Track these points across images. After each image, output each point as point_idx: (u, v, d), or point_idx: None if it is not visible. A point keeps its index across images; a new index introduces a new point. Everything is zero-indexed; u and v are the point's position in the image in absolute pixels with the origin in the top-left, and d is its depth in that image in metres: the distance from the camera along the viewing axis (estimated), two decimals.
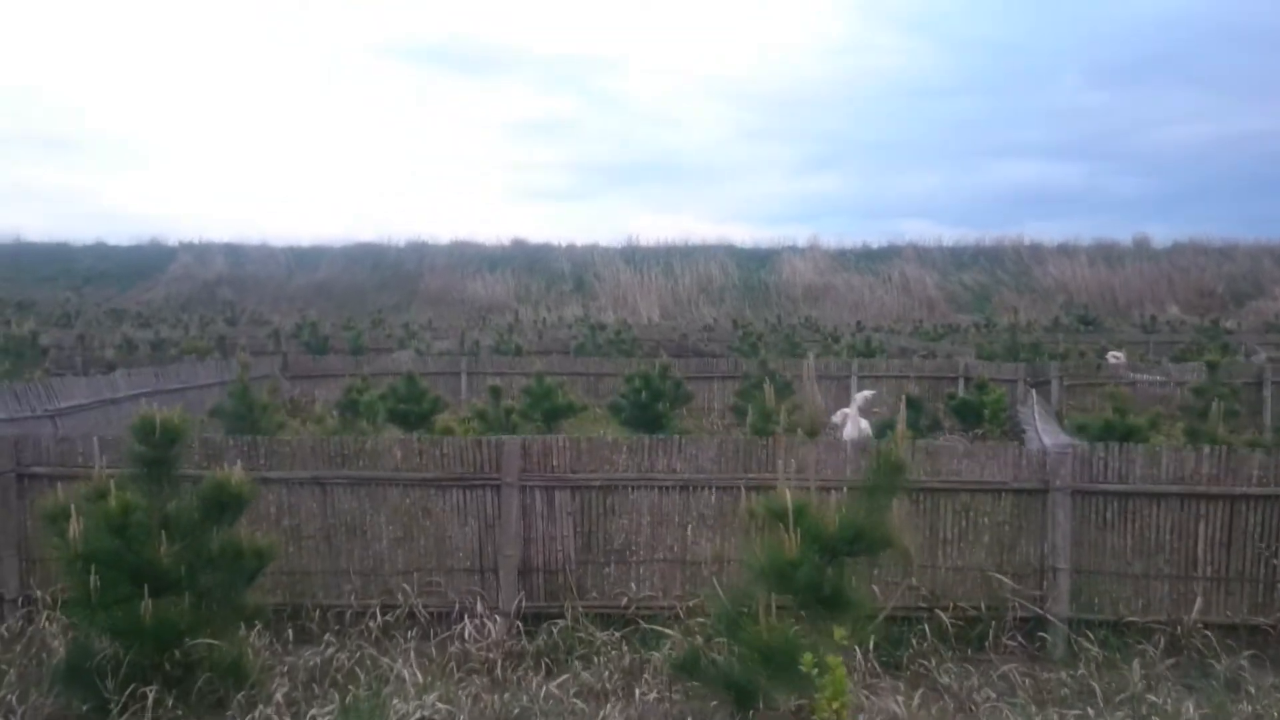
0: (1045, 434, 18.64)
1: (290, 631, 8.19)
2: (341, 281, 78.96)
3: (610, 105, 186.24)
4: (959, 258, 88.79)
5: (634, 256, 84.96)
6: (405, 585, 8.69)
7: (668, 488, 8.66)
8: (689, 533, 8.68)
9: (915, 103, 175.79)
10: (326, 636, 8.07)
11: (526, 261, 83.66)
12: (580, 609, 8.47)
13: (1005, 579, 8.37)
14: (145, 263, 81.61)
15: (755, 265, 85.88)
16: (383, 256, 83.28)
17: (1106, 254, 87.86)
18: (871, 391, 15.68)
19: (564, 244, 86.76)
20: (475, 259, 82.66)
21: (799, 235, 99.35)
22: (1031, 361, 27.35)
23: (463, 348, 30.88)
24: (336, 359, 24.30)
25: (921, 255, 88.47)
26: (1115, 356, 25.19)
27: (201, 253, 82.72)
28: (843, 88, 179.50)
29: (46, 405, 16.12)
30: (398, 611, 8.55)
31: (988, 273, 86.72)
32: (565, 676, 7.36)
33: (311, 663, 7.66)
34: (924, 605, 8.38)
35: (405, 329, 45.08)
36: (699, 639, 7.41)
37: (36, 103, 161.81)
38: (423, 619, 8.54)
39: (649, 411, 18.04)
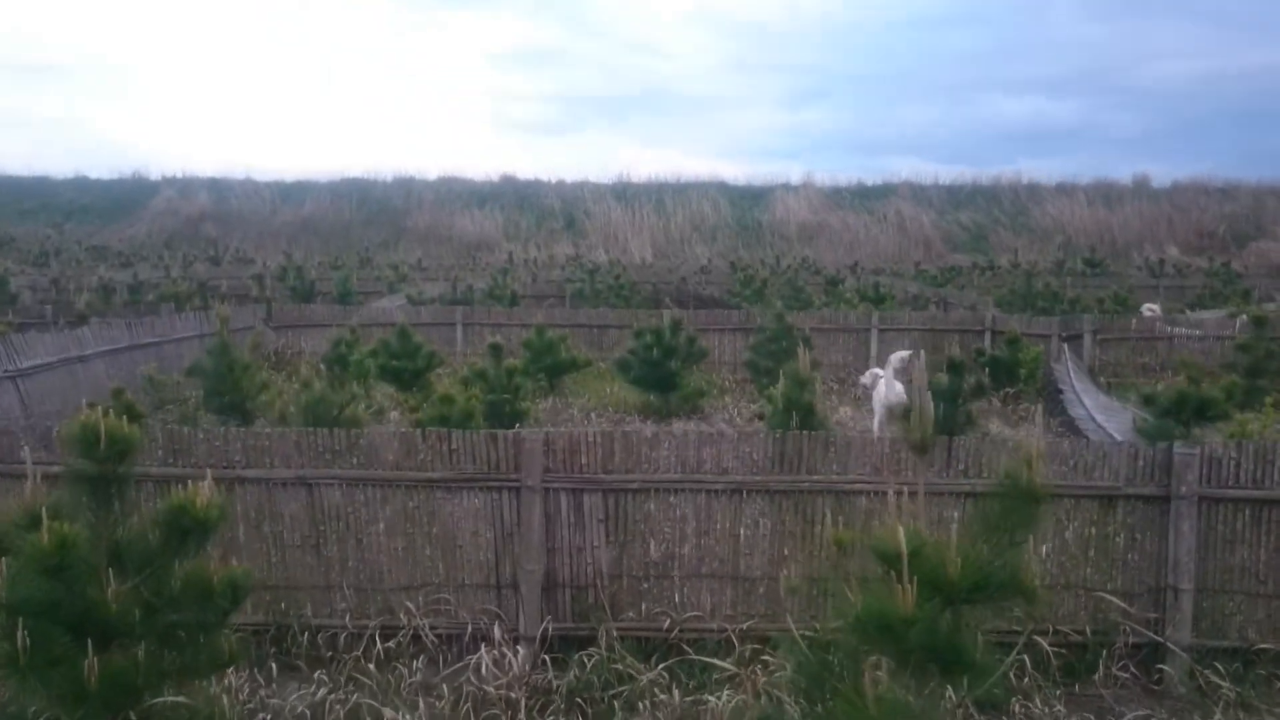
0: (1085, 395, 17.44)
1: (274, 664, 6.91)
2: (327, 218, 77.07)
3: (595, 34, 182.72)
4: (955, 196, 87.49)
5: (625, 193, 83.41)
6: (408, 603, 7.41)
7: (717, 491, 7.35)
8: (741, 543, 7.38)
9: (907, 35, 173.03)
10: (318, 674, 6.78)
11: (516, 198, 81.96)
12: (615, 632, 7.21)
13: (1115, 599, 7.13)
14: (127, 197, 79.45)
15: (748, 203, 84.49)
16: (369, 192, 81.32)
17: (1105, 194, 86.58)
18: (908, 351, 14.34)
19: (553, 180, 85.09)
20: (463, 195, 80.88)
21: (791, 172, 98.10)
22: (1051, 310, 26.14)
23: (455, 292, 29.44)
24: (324, 308, 22.82)
25: (917, 193, 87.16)
26: (1150, 309, 23.95)
27: (185, 187, 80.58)
28: (832, 18, 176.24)
29: (7, 365, 14.70)
30: (400, 635, 7.27)
31: (984, 212, 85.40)
32: None
33: (299, 709, 6.40)
34: (1018, 629, 7.13)
35: (395, 270, 43.57)
36: (767, 695, 6.15)
37: (15, 29, 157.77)
38: (430, 643, 7.27)
39: (660, 370, 16.72)
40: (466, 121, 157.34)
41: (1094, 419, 15.31)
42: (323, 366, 19.40)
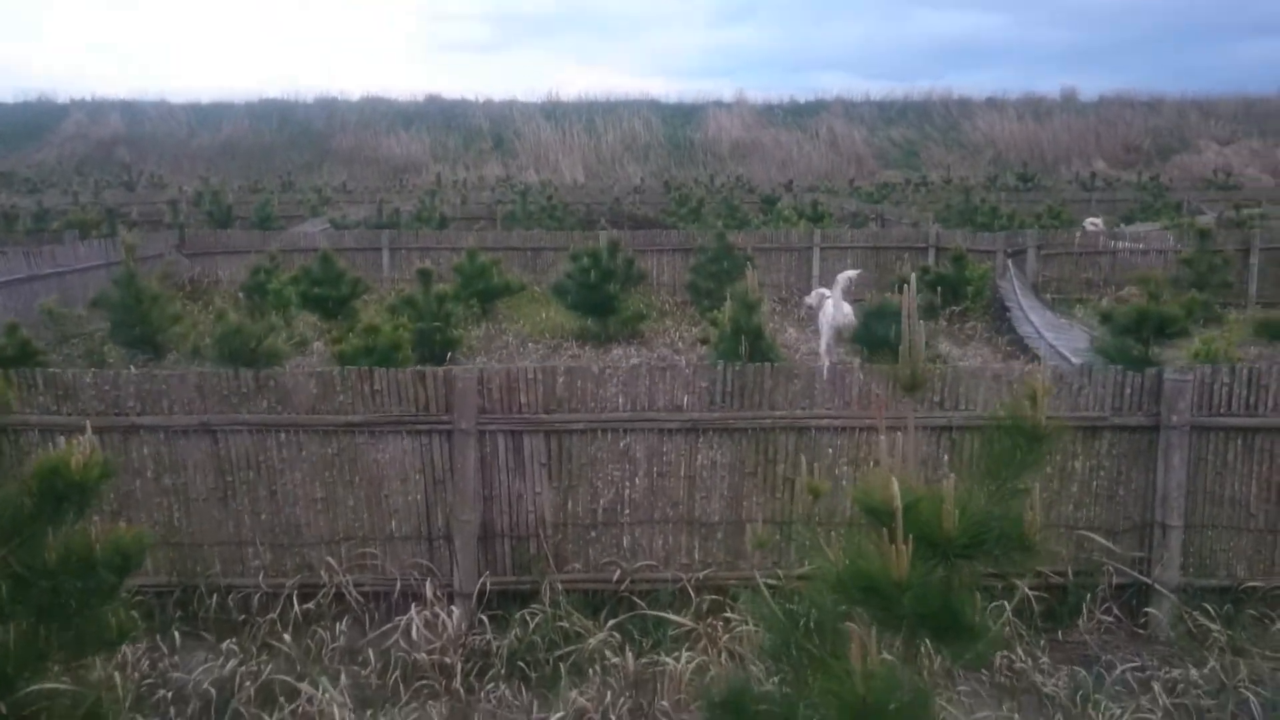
0: (1031, 312, 17.01)
1: (177, 632, 6.18)
2: (247, 141, 74.56)
3: None
4: (886, 113, 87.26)
5: (555, 113, 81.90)
6: (330, 559, 6.69)
7: (671, 430, 6.67)
8: (697, 485, 6.73)
9: None
10: (227, 643, 6.05)
11: (442, 118, 79.99)
12: (560, 585, 6.56)
13: (1099, 538, 6.61)
14: (34, 122, 76.08)
15: (680, 121, 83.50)
16: (290, 114, 78.75)
17: (1034, 108, 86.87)
18: (856, 271, 13.74)
19: (481, 100, 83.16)
20: (388, 115, 78.72)
21: (723, 90, 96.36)
22: (990, 227, 25.70)
23: (381, 216, 28.26)
24: (241, 234, 21.56)
25: (849, 110, 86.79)
26: (1093, 224, 23.57)
27: (95, 110, 77.34)
28: None
29: None
30: (321, 595, 6.56)
31: (916, 128, 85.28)
32: (559, 716, 5.46)
33: (204, 685, 5.69)
34: (995, 571, 6.59)
35: (317, 194, 42.04)
36: (730, 654, 5.55)
37: None
38: (354, 602, 6.56)
39: (598, 293, 15.97)
40: (391, 40, 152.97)
41: (1043, 336, 14.89)
42: (241, 295, 18.41)
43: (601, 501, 6.73)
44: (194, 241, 20.57)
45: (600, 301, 15.97)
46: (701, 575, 6.59)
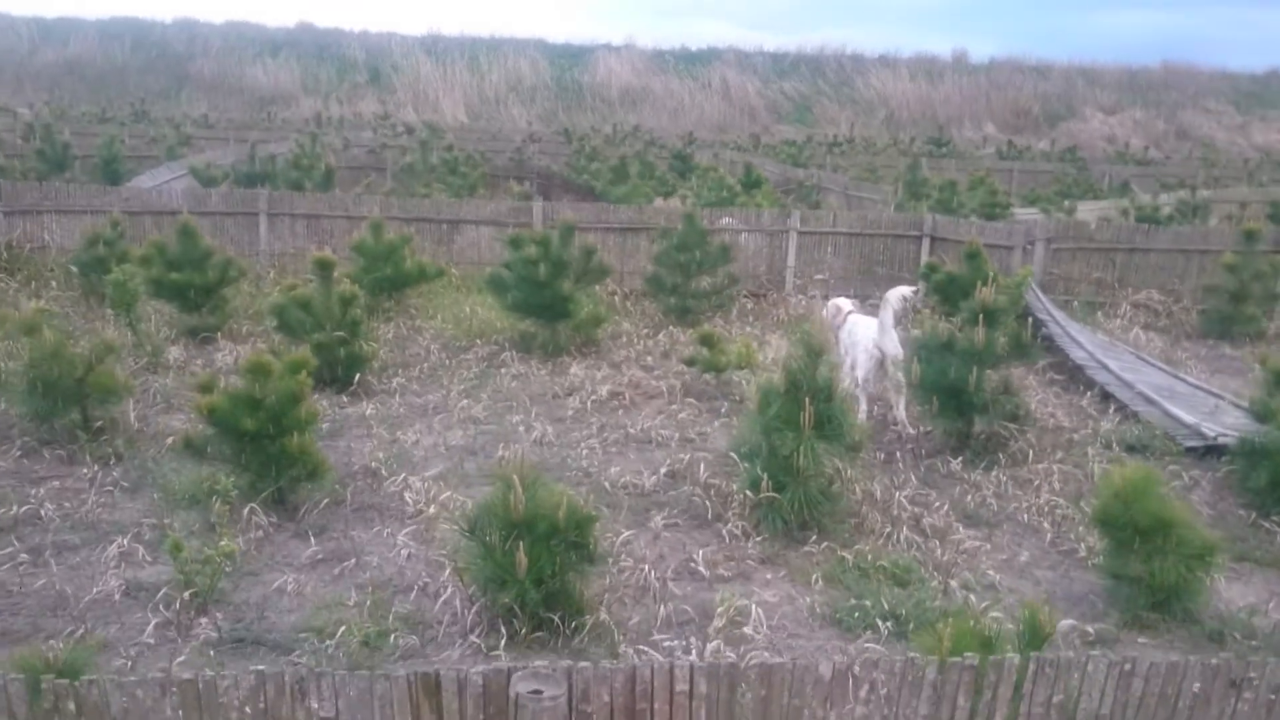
0: (1069, 328, 13.96)
1: None
2: (96, 62, 67.70)
3: None
4: (780, 64, 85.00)
5: (436, 48, 77.13)
6: None
7: None
8: None
9: None
10: None
11: (314, 48, 74.33)
12: None
13: None
14: None
15: (568, 63, 79.71)
16: (146, 35, 71.91)
17: (927, 68, 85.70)
18: (912, 288, 10.59)
19: (357, 30, 77.77)
20: (255, 42, 72.66)
21: (611, 34, 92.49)
22: (947, 205, 22.73)
23: (254, 163, 23.90)
24: (77, 188, 16.84)
25: (742, 60, 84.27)
26: (1097, 210, 20.86)
27: None
28: None
29: None
30: None
31: (809, 82, 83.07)
32: None
33: None
34: None
35: (176, 129, 36.91)
36: None
37: None
38: None
39: (548, 292, 12.44)
40: None
41: (1111, 371, 11.89)
42: (75, 271, 14.35)
43: None
44: (15, 194, 16.16)
45: (551, 302, 12.46)
46: None
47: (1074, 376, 12.30)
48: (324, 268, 11.11)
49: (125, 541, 6.91)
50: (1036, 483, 8.58)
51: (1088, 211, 24.65)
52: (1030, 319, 13.56)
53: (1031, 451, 9.21)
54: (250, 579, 6.60)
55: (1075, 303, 15.93)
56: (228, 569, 6.43)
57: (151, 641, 5.79)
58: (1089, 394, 11.41)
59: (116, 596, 6.30)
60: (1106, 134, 74.54)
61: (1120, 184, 37.96)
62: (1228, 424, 9.79)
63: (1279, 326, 15.62)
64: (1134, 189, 34.75)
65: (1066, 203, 26.96)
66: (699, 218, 14.69)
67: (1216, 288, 15.39)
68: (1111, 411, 10.62)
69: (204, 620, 6.02)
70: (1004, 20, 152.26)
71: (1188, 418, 9.96)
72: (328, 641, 5.75)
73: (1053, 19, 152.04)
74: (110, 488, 7.96)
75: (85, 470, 8.22)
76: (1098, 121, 79.13)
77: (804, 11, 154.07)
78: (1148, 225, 18.21)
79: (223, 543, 6.31)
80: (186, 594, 6.08)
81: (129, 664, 5.55)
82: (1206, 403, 10.88)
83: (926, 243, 16.43)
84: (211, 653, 5.66)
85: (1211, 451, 9.36)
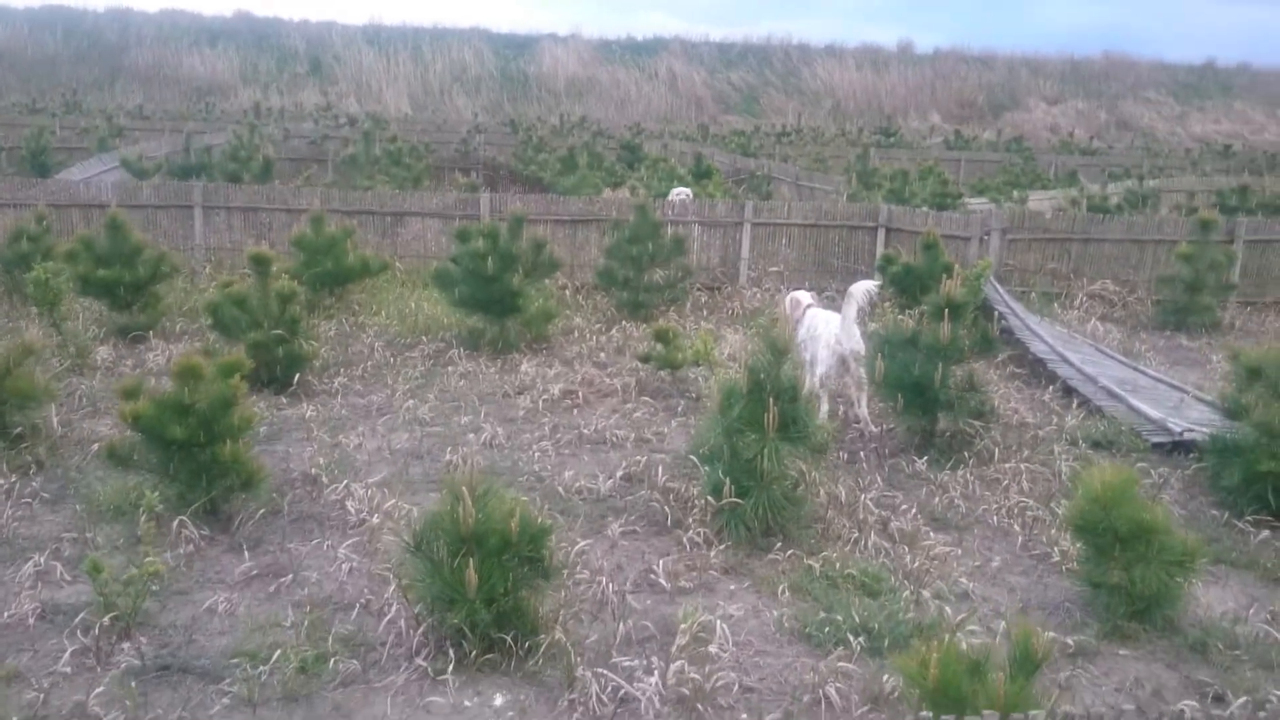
0: (1027, 319, 13.78)
1: None
2: (26, 51, 65.97)
3: None
4: (726, 55, 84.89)
5: (378, 38, 76.22)
6: None
7: None
8: None
9: None
10: None
11: (253, 37, 73.04)
12: None
13: None
14: None
15: (513, 53, 79.02)
16: (78, 23, 70.25)
17: (872, 58, 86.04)
18: (875, 283, 10.24)
19: (296, 19, 76.55)
20: (191, 31, 71.27)
21: (556, 23, 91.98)
22: (899, 195, 22.52)
23: (189, 155, 23.18)
24: (3, 183, 16.12)
25: (689, 50, 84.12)
26: (1048, 199, 20.69)
27: None
28: None
29: None
30: None
31: (755, 73, 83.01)
32: None
33: None
34: None
35: (108, 120, 35.86)
36: None
37: None
38: None
39: (497, 286, 12.00)
40: None
41: (1067, 360, 11.69)
42: None
43: None
44: None
45: (500, 297, 12.02)
46: None
47: (1035, 371, 12.05)
48: (261, 263, 10.60)
49: (42, 559, 6.42)
50: (1004, 482, 8.29)
51: (1039, 201, 24.56)
52: (994, 312, 13.47)
53: (997, 450, 8.92)
54: (179, 598, 6.14)
55: (1033, 294, 15.77)
56: (154, 588, 5.97)
57: (68, 671, 5.32)
58: (1051, 388, 11.17)
59: (31, 620, 5.82)
60: (1050, 124, 75.31)
61: (1068, 174, 38.01)
62: (1193, 419, 9.60)
63: (1233, 316, 15.52)
64: (1082, 179, 34.80)
65: (1016, 193, 26.87)
66: (651, 209, 14.29)
67: (1172, 278, 15.26)
68: (1075, 406, 10.36)
69: (126, 646, 5.56)
70: (949, 11, 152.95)
71: (1153, 413, 9.73)
72: (261, 668, 5.31)
73: (997, 10, 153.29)
74: (29, 499, 7.43)
75: (1, 481, 7.69)
76: (1041, 111, 79.85)
77: (749, 2, 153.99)
78: (1101, 215, 18.06)
79: (148, 560, 5.84)
80: (107, 618, 5.61)
81: (41, 697, 5.09)
82: (1170, 397, 10.69)
83: (882, 234, 16.19)
84: (133, 683, 5.20)
85: (1178, 448, 9.13)
